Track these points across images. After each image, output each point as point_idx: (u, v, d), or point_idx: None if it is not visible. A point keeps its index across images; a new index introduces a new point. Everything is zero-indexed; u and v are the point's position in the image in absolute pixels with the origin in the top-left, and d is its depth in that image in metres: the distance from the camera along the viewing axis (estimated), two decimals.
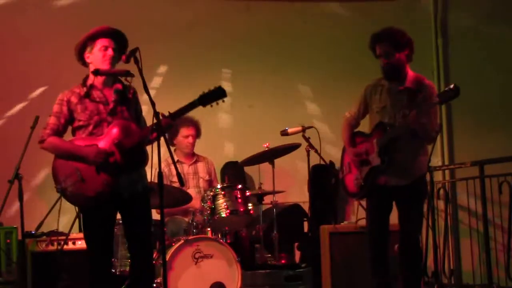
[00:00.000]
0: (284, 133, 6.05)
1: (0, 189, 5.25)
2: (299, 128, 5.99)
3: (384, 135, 4.66)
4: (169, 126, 4.28)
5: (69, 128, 4.47)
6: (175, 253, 5.31)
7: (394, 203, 4.80)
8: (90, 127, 4.35)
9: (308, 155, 6.03)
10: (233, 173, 6.76)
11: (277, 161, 6.14)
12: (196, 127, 6.35)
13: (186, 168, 6.34)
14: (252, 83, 7.25)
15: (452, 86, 4.33)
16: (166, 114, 4.27)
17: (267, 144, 6.00)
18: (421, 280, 4.90)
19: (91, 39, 4.41)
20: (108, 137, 4.31)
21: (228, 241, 5.68)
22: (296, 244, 6.60)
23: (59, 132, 4.39)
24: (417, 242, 4.72)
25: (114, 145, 4.27)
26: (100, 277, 4.36)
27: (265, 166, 6.24)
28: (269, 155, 6.07)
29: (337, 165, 5.34)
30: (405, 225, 4.70)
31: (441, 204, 6.94)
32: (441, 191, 6.80)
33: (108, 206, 4.33)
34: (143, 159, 4.37)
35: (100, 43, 4.39)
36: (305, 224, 6.64)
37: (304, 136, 5.98)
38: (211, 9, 7.27)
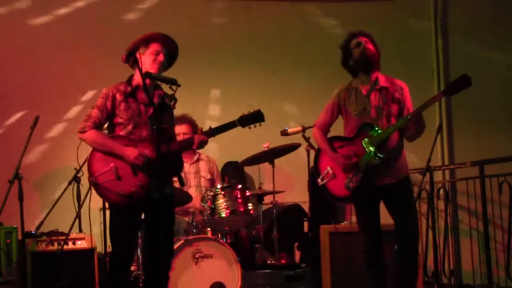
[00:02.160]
0: (284, 133, 6.04)
1: (0, 189, 5.25)
2: (299, 128, 5.99)
3: (382, 132, 4.63)
4: (204, 142, 4.47)
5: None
6: (175, 253, 5.29)
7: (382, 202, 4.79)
8: (130, 127, 4.41)
9: (308, 155, 6.03)
10: (233, 173, 6.76)
11: (277, 161, 6.14)
12: (191, 125, 6.26)
13: (187, 167, 6.31)
14: (252, 83, 7.24)
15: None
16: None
17: (267, 144, 6.00)
18: (416, 280, 4.89)
19: (145, 42, 4.46)
20: (148, 141, 4.34)
21: (228, 241, 5.69)
22: (296, 244, 6.59)
23: (99, 125, 4.45)
24: (417, 240, 4.72)
25: (153, 149, 4.28)
26: (119, 277, 4.38)
27: (265, 166, 6.23)
28: (269, 155, 6.07)
29: None
30: (403, 224, 4.67)
31: (441, 204, 6.94)
32: (441, 191, 6.80)
33: (137, 208, 4.38)
34: (179, 165, 4.50)
35: (153, 47, 4.45)
36: (305, 224, 6.63)
37: (304, 136, 5.98)
38: (211, 9, 7.27)
